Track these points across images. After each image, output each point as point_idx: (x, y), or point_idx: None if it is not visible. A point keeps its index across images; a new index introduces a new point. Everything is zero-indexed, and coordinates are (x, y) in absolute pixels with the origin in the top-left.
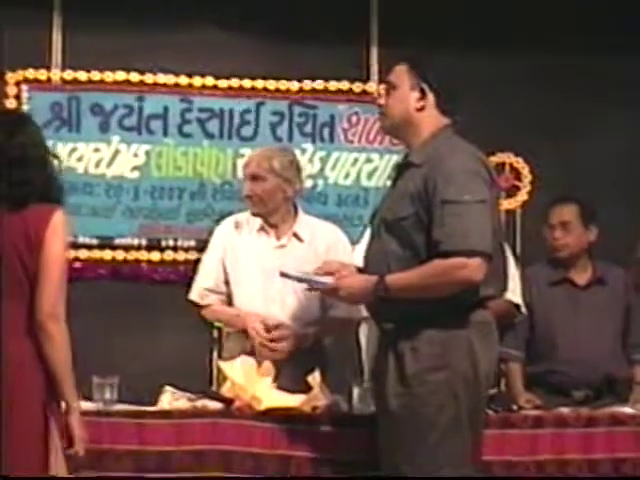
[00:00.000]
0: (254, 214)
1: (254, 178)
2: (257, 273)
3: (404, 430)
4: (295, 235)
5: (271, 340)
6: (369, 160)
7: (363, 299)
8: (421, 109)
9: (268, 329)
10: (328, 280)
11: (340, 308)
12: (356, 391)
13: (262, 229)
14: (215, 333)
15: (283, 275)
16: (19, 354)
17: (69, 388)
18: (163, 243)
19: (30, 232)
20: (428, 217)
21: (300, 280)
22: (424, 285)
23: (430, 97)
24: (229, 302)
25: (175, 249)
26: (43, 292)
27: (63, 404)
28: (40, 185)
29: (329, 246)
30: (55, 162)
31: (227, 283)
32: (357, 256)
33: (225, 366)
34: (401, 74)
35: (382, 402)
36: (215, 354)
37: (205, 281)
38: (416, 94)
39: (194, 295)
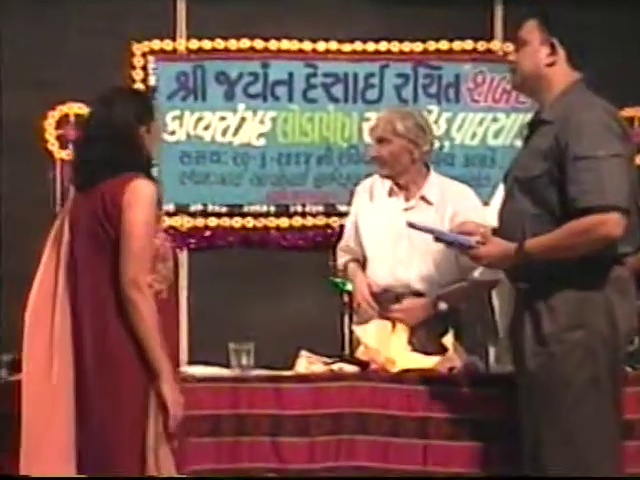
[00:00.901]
0: (382, 176)
1: (380, 141)
2: (385, 235)
3: (542, 389)
4: (423, 198)
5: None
6: (495, 120)
7: (503, 265)
8: (552, 64)
9: (373, 294)
10: (460, 237)
11: (480, 271)
12: (492, 351)
13: (392, 191)
14: (345, 297)
15: (410, 226)
16: (114, 326)
17: (157, 355)
18: (291, 209)
19: (107, 204)
20: (561, 174)
21: (428, 231)
22: (564, 246)
23: (561, 52)
24: (364, 265)
25: (303, 215)
26: (124, 260)
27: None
28: (123, 160)
29: (457, 210)
30: (145, 137)
31: (361, 246)
32: (490, 216)
33: (359, 330)
34: (531, 29)
35: (519, 361)
36: (346, 318)
37: (341, 243)
38: (546, 49)
39: (337, 257)
